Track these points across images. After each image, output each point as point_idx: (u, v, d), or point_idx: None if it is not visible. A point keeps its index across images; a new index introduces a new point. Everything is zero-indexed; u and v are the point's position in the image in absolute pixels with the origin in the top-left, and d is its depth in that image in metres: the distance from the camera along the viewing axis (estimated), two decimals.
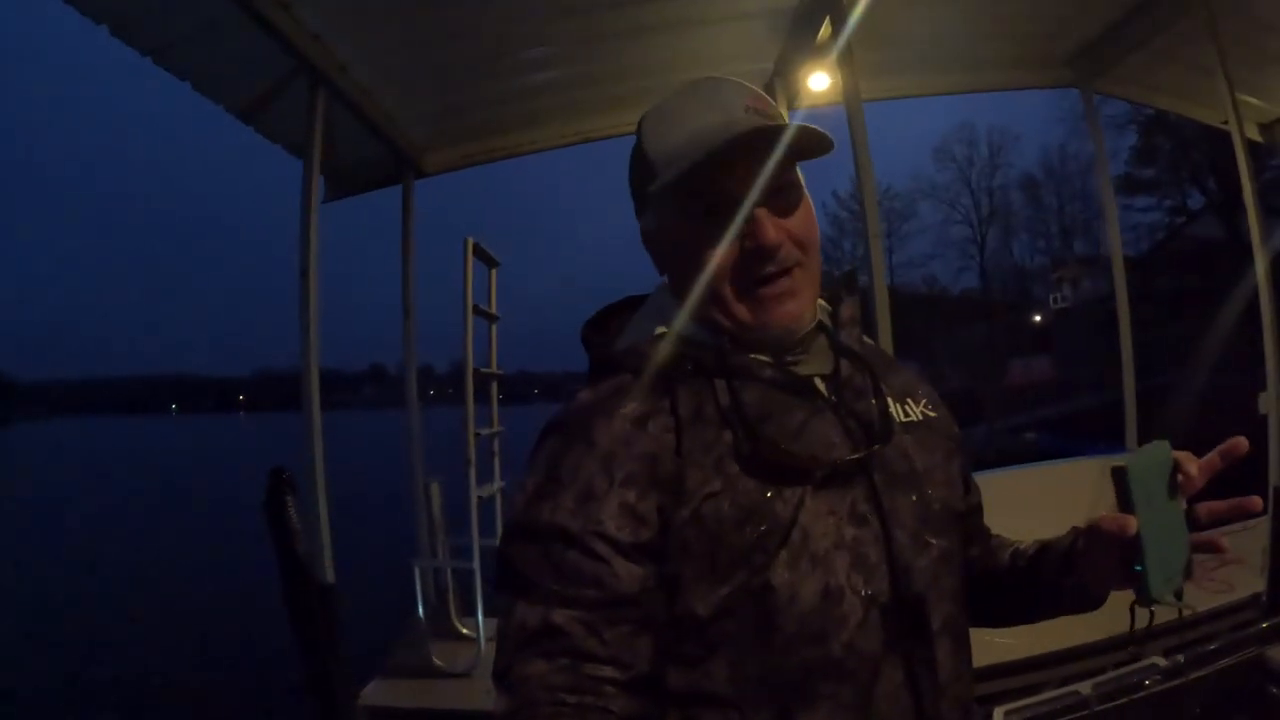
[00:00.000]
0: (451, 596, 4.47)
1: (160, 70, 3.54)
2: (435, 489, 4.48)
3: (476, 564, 4.15)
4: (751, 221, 1.10)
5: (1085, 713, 2.79)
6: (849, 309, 1.26)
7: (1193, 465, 1.08)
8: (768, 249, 1.10)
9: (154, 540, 20.35)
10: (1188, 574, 1.08)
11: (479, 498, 4.26)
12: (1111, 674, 2.90)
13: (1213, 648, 3.10)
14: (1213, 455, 1.09)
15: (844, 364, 1.20)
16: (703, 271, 1.13)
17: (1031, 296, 40.14)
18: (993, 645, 3.12)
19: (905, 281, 48.77)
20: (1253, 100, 5.37)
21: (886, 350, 1.34)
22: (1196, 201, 36.00)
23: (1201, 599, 3.42)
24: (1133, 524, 1.02)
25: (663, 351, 1.14)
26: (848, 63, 3.60)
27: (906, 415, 1.24)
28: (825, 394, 1.17)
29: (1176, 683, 2.94)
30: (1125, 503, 1.03)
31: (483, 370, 4.61)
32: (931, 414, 1.27)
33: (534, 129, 4.96)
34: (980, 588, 1.31)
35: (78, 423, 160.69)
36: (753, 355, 1.15)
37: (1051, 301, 37.84)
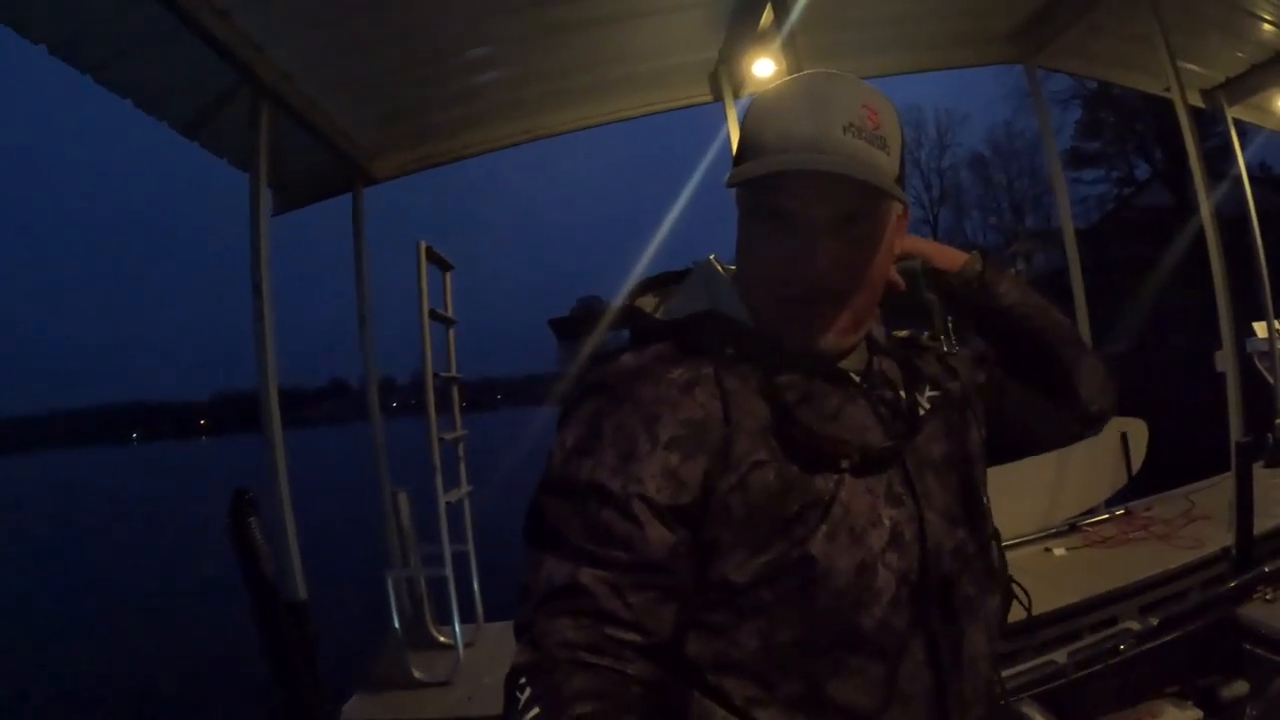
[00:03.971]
0: (426, 605, 4.42)
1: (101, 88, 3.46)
2: (403, 498, 4.42)
3: (449, 570, 4.11)
4: (805, 246, 1.08)
5: (1062, 681, 2.82)
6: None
7: None
8: (808, 279, 1.09)
9: (124, 568, 20.16)
10: None
11: (447, 503, 4.22)
12: (1086, 640, 2.92)
13: (1185, 608, 3.14)
14: None
15: (875, 358, 1.24)
16: (753, 269, 1.15)
17: None
18: None
19: None
20: (1193, 67, 5.45)
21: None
22: (1143, 172, 36.58)
23: (1171, 556, 3.45)
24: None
25: (709, 327, 1.15)
26: (791, 48, 3.60)
27: (929, 403, 1.25)
28: (859, 384, 1.19)
29: (1151, 645, 2.98)
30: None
31: (443, 375, 4.56)
32: (935, 393, 1.28)
33: (482, 129, 4.93)
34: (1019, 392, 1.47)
35: (34, 459, 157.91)
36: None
37: None
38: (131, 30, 3.23)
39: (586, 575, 0.97)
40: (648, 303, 1.25)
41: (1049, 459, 4.44)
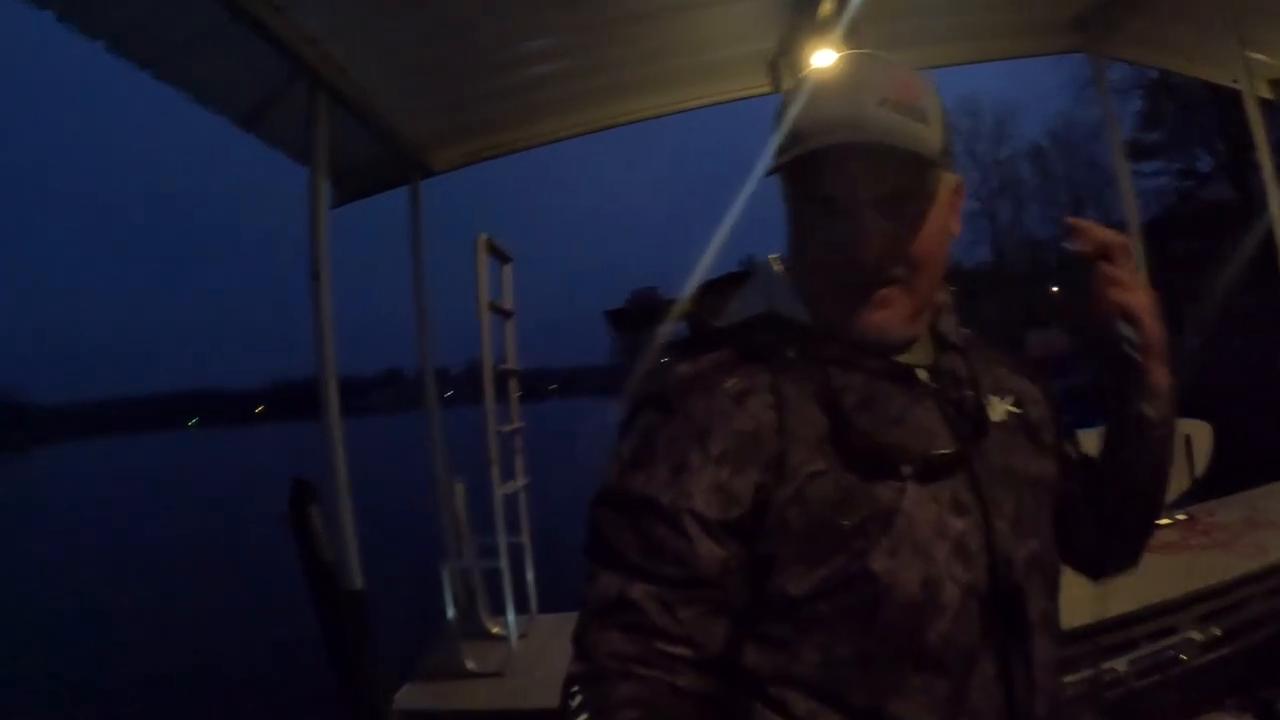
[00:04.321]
0: (480, 596, 4.45)
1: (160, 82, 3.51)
2: (459, 489, 4.46)
3: (504, 562, 4.13)
4: (854, 228, 1.06)
5: (1122, 690, 2.76)
6: (944, 297, 1.23)
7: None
8: (861, 262, 1.06)
9: (183, 553, 20.53)
10: None
11: (503, 495, 4.24)
12: (1146, 649, 2.86)
13: (1246, 618, 3.06)
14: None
15: (943, 354, 1.19)
16: (802, 258, 1.13)
17: (1046, 267, 39.82)
18: None
19: None
20: (1262, 57, 5.29)
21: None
22: (1205, 165, 35.69)
23: (1233, 564, 3.37)
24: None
25: (766, 331, 1.13)
26: (852, 38, 3.56)
27: (997, 414, 1.20)
28: (926, 383, 1.14)
29: (1212, 656, 2.91)
30: None
31: (500, 367, 4.58)
32: (1017, 410, 1.24)
33: (538, 122, 4.93)
34: (1083, 513, 1.32)
35: (100, 444, 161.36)
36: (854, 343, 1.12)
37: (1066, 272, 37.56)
38: (187, 26, 3.27)
39: (637, 590, 0.99)
40: (710, 305, 1.22)
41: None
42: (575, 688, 0.98)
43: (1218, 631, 2.94)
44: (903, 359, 1.14)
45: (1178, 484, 4.40)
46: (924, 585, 1.01)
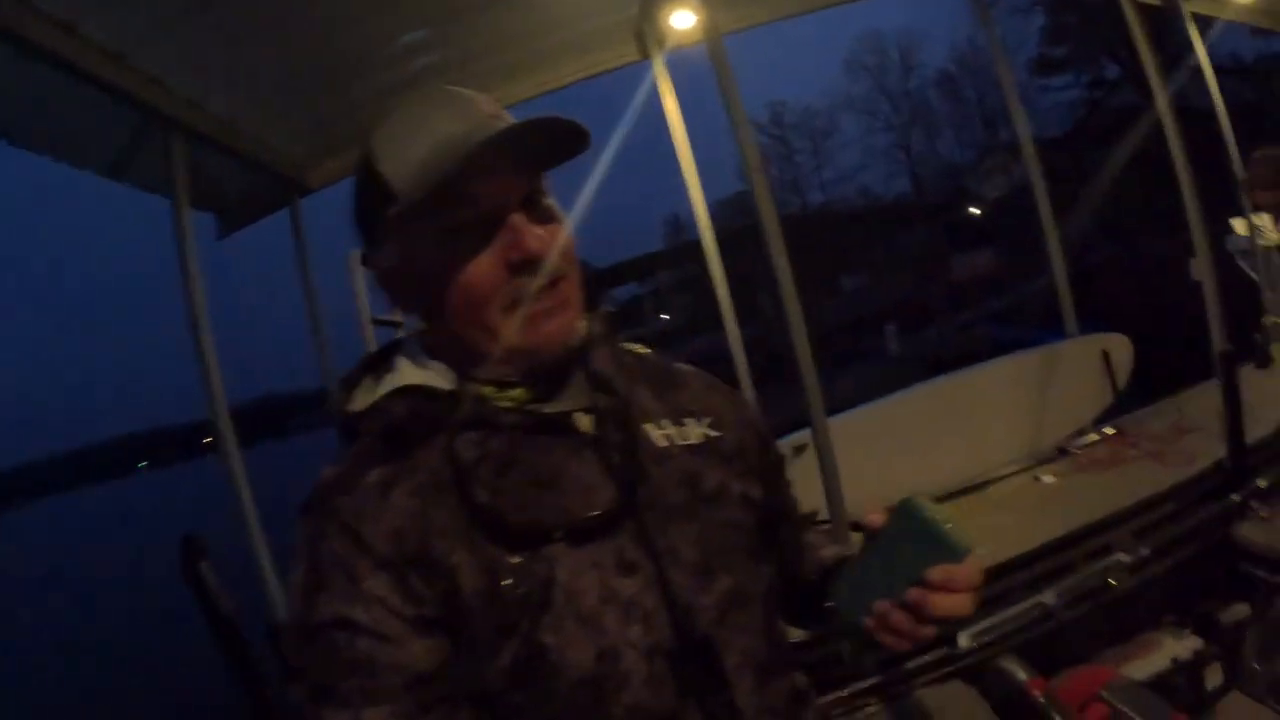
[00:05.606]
0: None
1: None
2: None
3: None
4: (513, 231, 1.00)
5: (1052, 624, 2.72)
6: (598, 323, 1.14)
7: (945, 573, 0.97)
8: (534, 258, 0.99)
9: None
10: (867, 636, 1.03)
11: None
12: (1074, 577, 2.82)
13: (1179, 532, 3.04)
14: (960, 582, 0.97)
15: (599, 393, 1.10)
16: (462, 296, 1.01)
17: (966, 192, 40.27)
18: None
19: (839, 197, 49.18)
20: None
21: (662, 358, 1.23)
22: (1112, 73, 36.21)
23: (1165, 475, 3.35)
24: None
25: (398, 408, 1.02)
26: None
27: (685, 438, 1.13)
28: (585, 429, 1.06)
29: (1144, 575, 2.88)
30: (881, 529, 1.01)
31: None
32: (714, 433, 1.16)
33: None
34: (792, 597, 1.26)
35: (58, 501, 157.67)
36: (496, 398, 1.04)
37: (986, 192, 38.00)
38: (29, 90, 3.17)
39: (370, 714, 0.89)
40: (349, 396, 1.12)
41: (1028, 382, 4.37)
42: None
43: (1147, 550, 2.91)
44: (555, 407, 1.06)
45: (1101, 400, 4.41)
46: (599, 659, 0.95)
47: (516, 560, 0.95)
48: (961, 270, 32.38)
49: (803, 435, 3.52)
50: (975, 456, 4.05)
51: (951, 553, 0.95)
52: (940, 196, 43.95)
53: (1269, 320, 4.71)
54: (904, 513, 0.98)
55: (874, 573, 1.01)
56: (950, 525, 0.95)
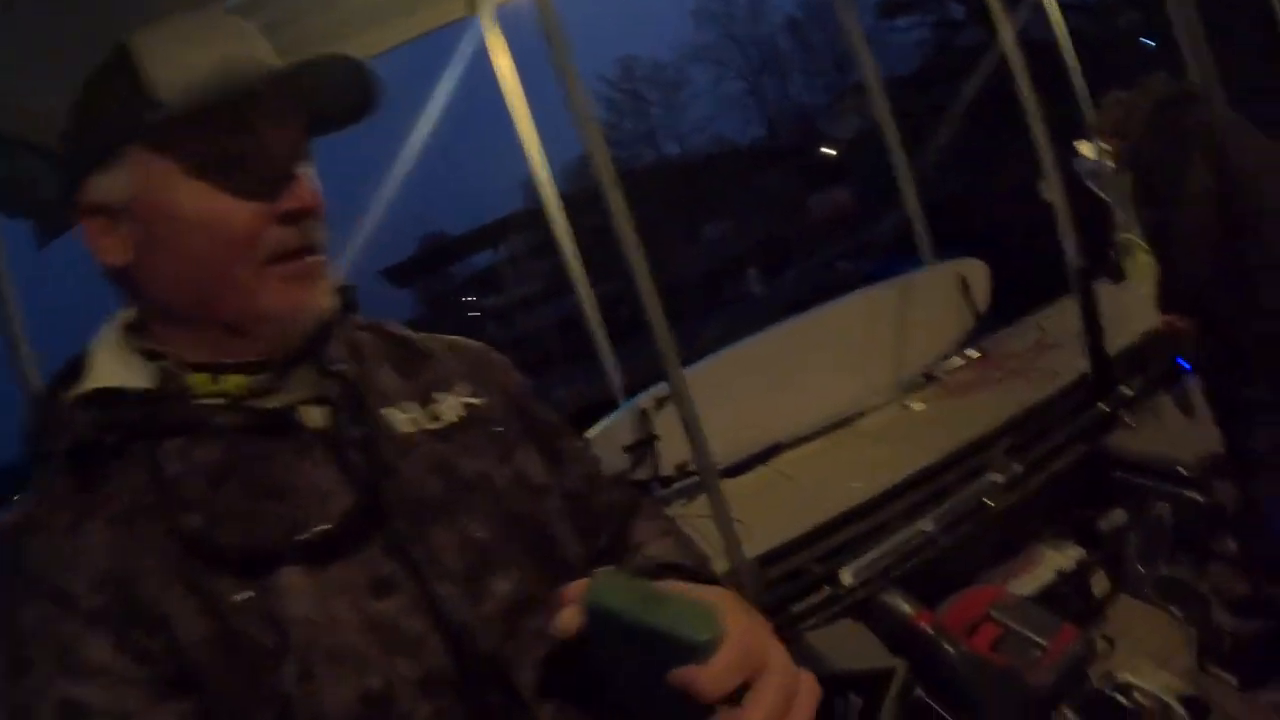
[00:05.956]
0: None
1: None
2: None
3: None
4: (296, 179, 0.82)
5: (934, 550, 2.71)
6: (336, 298, 0.92)
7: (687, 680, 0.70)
8: (310, 212, 0.83)
9: None
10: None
11: None
12: (951, 501, 2.81)
13: (1050, 447, 3.07)
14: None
15: (330, 380, 0.89)
16: (215, 240, 0.80)
17: (821, 134, 40.86)
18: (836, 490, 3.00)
19: (696, 147, 49.34)
20: None
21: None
22: (958, 12, 37.16)
23: (1031, 392, 3.39)
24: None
25: (83, 420, 0.79)
26: None
27: (437, 418, 0.93)
28: (315, 425, 0.85)
29: (1019, 495, 2.90)
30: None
31: None
32: (475, 401, 0.97)
33: None
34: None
35: None
36: (206, 392, 0.83)
37: (839, 132, 38.71)
38: None
39: None
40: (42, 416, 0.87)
41: (889, 313, 4.37)
42: None
43: (1020, 468, 2.93)
44: (278, 399, 0.86)
45: (962, 325, 4.45)
46: (364, 701, 0.75)
47: (243, 596, 0.74)
48: (819, 210, 33.00)
49: (663, 387, 3.41)
50: (843, 391, 4.02)
51: (686, 650, 0.66)
52: (795, 140, 44.54)
53: (1121, 236, 4.82)
54: (597, 615, 0.71)
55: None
56: (673, 609, 0.68)
